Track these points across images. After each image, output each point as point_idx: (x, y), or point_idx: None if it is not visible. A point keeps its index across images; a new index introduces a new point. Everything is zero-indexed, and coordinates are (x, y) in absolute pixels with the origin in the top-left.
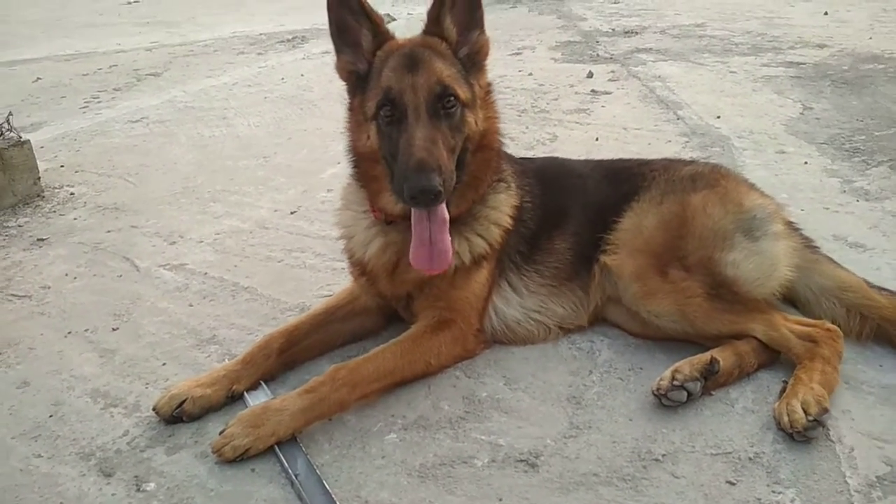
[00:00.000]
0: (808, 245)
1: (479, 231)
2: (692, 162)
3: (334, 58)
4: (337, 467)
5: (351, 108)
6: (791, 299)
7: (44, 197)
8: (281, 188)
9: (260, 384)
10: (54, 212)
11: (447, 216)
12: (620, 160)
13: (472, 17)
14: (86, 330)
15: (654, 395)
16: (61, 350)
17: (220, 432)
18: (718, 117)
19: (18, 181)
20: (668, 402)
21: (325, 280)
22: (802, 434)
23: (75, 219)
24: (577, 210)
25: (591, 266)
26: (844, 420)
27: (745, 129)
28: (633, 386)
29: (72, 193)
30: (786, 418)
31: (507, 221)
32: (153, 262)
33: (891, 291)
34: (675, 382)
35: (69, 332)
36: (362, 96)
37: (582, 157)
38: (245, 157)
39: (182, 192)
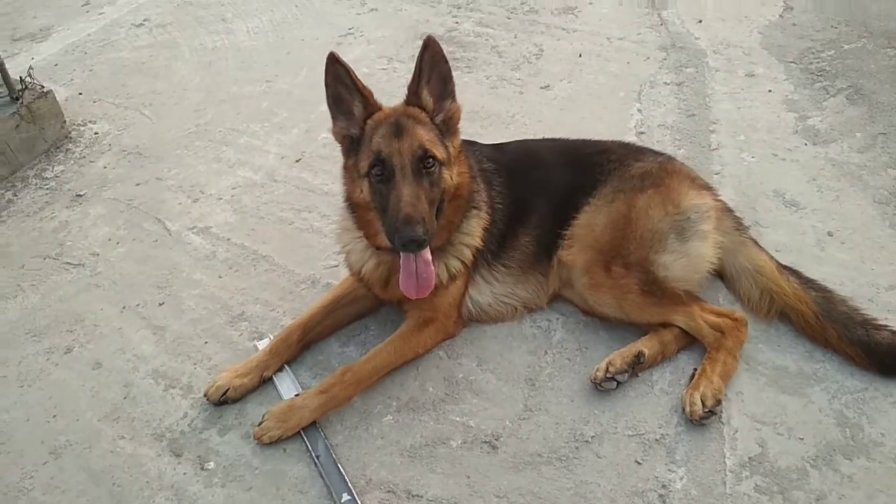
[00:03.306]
0: (738, 227)
1: (454, 254)
2: (644, 153)
3: (331, 124)
4: (348, 447)
5: (346, 167)
6: (720, 274)
7: (71, 139)
8: (285, 126)
9: (284, 367)
10: (84, 157)
11: (430, 256)
12: (584, 144)
13: (445, 88)
14: (137, 305)
15: (591, 382)
16: (120, 327)
17: (258, 423)
18: (700, 21)
19: (47, 129)
20: (602, 388)
21: (330, 247)
22: (699, 422)
23: (105, 167)
24: (541, 204)
25: (550, 256)
26: (736, 402)
27: (723, 40)
28: (578, 367)
29: (96, 133)
30: (687, 408)
31: (478, 242)
32: (182, 224)
33: (798, 276)
34: (608, 374)
35: (124, 308)
36: (356, 157)
37: (563, 80)
38: (248, 80)
39: (195, 133)
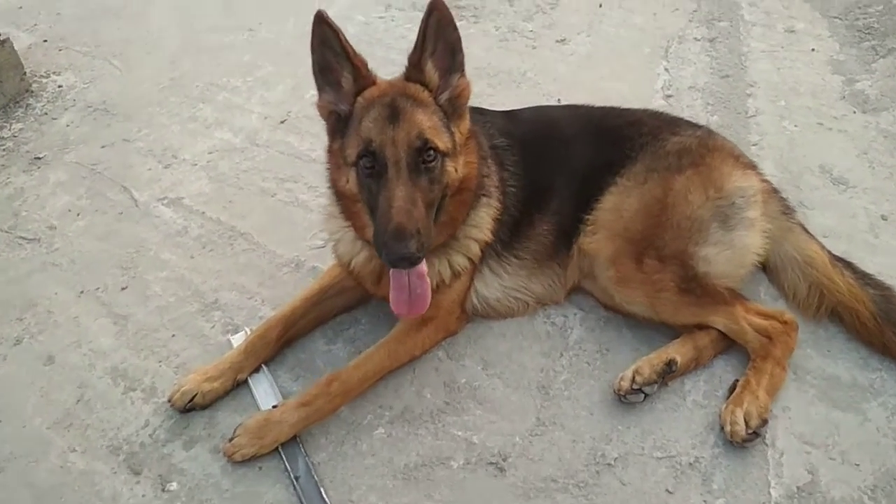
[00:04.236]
0: (785, 211)
1: (459, 250)
2: (680, 125)
3: (316, 96)
4: (332, 466)
5: (330, 150)
6: (762, 265)
7: (32, 92)
8: (269, 82)
9: (262, 369)
10: (46, 114)
11: (425, 269)
12: (610, 113)
13: (452, 61)
14: (97, 288)
15: (615, 393)
16: (77, 316)
17: (230, 439)
18: None
19: (5, 81)
20: (627, 401)
21: (317, 224)
22: (741, 444)
23: (68, 125)
24: (561, 184)
25: (570, 243)
26: (783, 419)
27: None
28: (599, 372)
29: (60, 86)
30: (728, 427)
31: (487, 235)
32: (151, 194)
33: (853, 269)
34: (635, 385)
35: (82, 292)
36: (342, 140)
37: (581, 33)
38: (229, 28)
39: (169, 87)
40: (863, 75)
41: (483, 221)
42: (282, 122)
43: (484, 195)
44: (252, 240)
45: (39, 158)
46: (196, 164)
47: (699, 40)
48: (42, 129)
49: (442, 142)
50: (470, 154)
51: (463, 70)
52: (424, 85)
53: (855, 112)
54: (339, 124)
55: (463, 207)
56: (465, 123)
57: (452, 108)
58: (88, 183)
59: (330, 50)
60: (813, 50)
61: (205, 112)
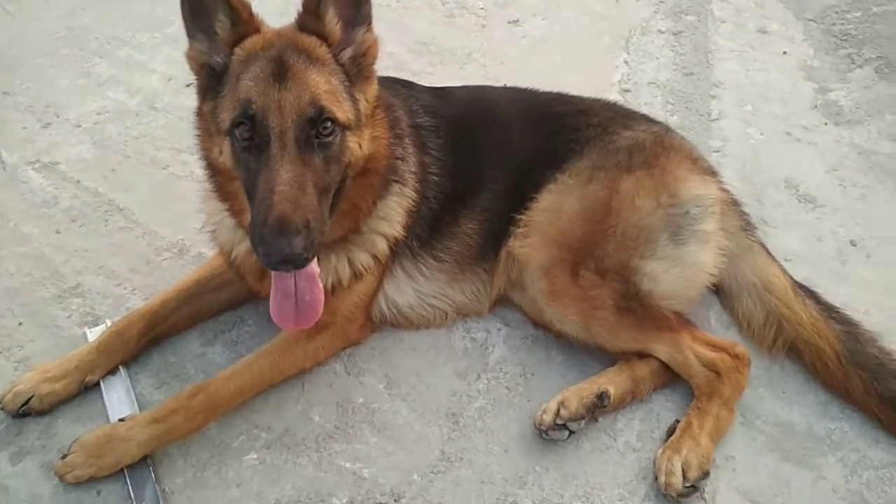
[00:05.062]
0: (745, 227)
1: (363, 245)
2: (635, 119)
3: (186, 43)
4: (187, 497)
5: (200, 113)
6: (715, 284)
7: None
8: (179, 40)
9: (118, 371)
10: None
11: (316, 269)
12: (557, 99)
13: (358, 11)
14: None
15: (536, 427)
16: None
17: (62, 456)
18: None
19: None
20: (548, 437)
21: None
22: (675, 499)
23: None
24: (493, 176)
25: (499, 246)
26: (726, 470)
27: None
28: (519, 401)
29: None
30: (663, 478)
31: (397, 230)
32: (22, 156)
33: (817, 300)
34: (559, 420)
35: None
36: (215, 101)
37: (536, 15)
38: None
39: (65, 38)
40: (837, 84)
41: (394, 213)
42: (187, 86)
43: (396, 181)
44: (131, 217)
45: None
46: (80, 126)
47: (663, 33)
48: None
49: (342, 111)
50: (379, 128)
51: (370, 23)
52: (322, 38)
53: (827, 124)
54: (211, 81)
55: (368, 194)
56: (373, 89)
57: (357, 70)
58: None
59: None
60: (785, 53)
61: (100, 68)
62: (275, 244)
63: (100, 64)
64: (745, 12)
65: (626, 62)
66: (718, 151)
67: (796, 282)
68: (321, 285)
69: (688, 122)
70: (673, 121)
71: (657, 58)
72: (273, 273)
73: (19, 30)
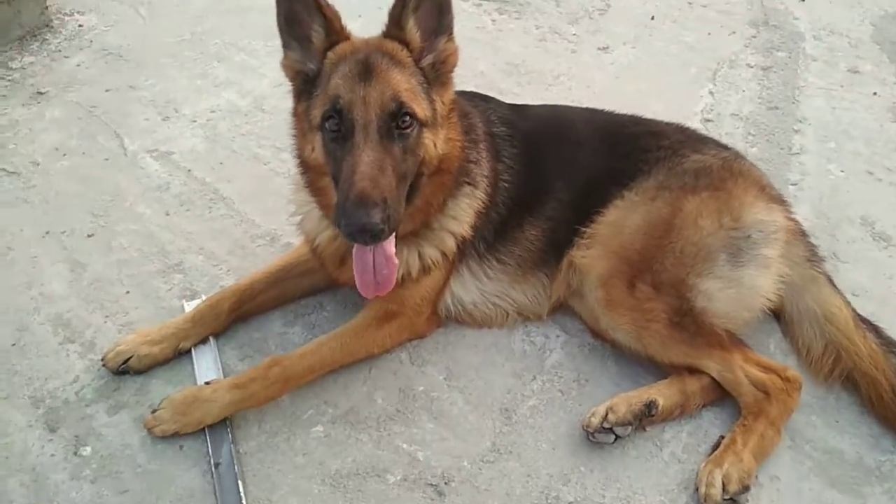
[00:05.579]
0: (811, 258)
1: (433, 241)
2: (706, 144)
3: (281, 53)
4: (258, 459)
5: (295, 114)
6: (777, 313)
7: (52, 28)
8: None
9: (209, 341)
10: (59, 51)
11: (393, 248)
12: (632, 121)
13: (440, 21)
14: (63, 232)
15: (584, 429)
16: (36, 255)
17: (153, 410)
18: None
19: (25, 13)
20: (595, 440)
21: None
22: None
23: (78, 64)
24: (560, 188)
25: (561, 254)
26: (769, 490)
27: (826, 25)
28: (571, 404)
29: (80, 26)
30: (703, 489)
31: (465, 230)
32: (142, 144)
33: (878, 334)
34: (606, 424)
35: (47, 233)
36: (308, 102)
37: (627, 44)
38: None
39: (188, 42)
40: None
41: (463, 213)
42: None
43: (468, 183)
44: (232, 205)
45: (42, 94)
46: (195, 121)
47: (752, 67)
48: (52, 66)
49: (420, 108)
50: (453, 131)
51: (451, 33)
52: (405, 44)
53: None
54: (306, 85)
55: (440, 192)
56: (449, 94)
57: (435, 74)
58: (83, 124)
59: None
60: (875, 94)
61: (217, 70)
62: (354, 215)
63: (217, 67)
64: (839, 52)
65: (710, 93)
66: (796, 185)
67: (859, 315)
68: (396, 262)
69: (767, 155)
70: (752, 152)
71: (743, 90)
72: (354, 250)
73: (148, 32)
